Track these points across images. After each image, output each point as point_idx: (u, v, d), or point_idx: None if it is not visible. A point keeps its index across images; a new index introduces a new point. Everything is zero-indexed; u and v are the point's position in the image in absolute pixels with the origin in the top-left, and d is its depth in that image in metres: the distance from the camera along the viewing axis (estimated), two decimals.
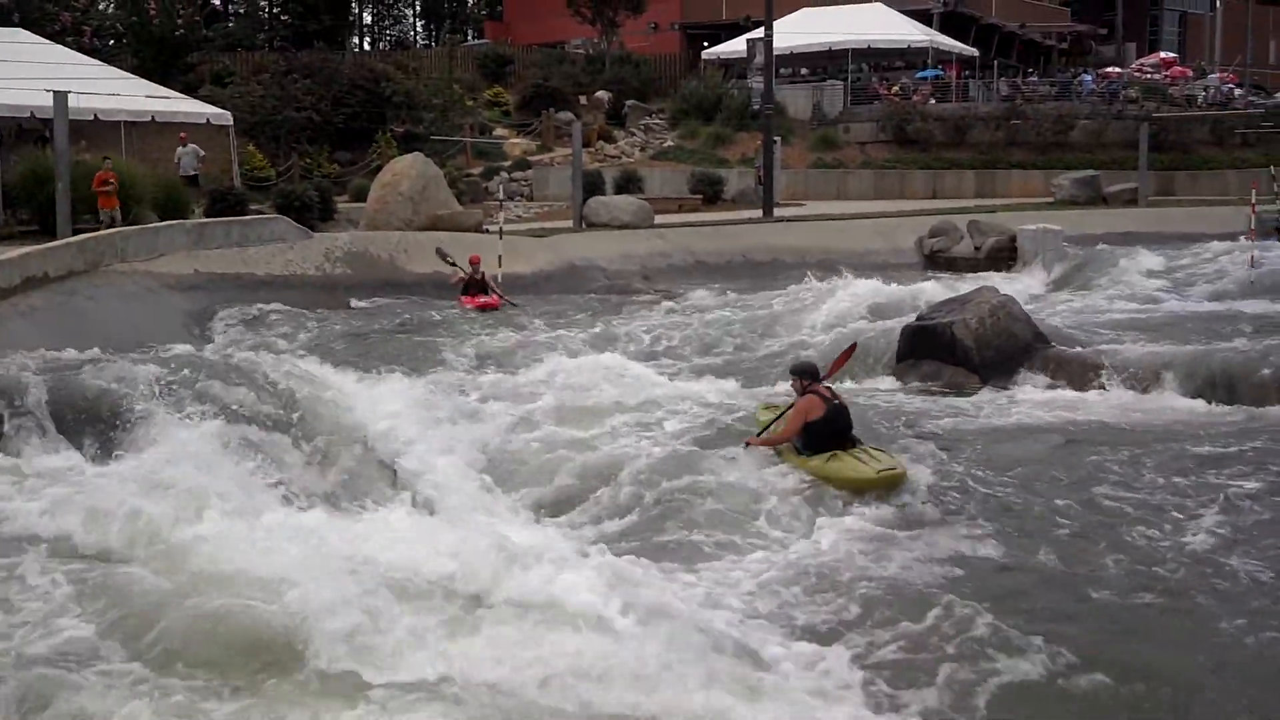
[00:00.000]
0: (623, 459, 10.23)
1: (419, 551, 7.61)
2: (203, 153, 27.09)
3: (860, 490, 9.22)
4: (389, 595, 6.95)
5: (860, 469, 9.32)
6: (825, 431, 9.67)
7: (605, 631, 6.67)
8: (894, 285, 18.62)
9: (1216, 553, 8.24)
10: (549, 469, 10.33)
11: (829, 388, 10.16)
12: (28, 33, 31.59)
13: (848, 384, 13.66)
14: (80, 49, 33.55)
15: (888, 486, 9.23)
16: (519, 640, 6.57)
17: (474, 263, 20.64)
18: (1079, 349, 14.44)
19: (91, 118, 25.10)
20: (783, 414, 10.07)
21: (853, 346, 11.55)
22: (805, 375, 10.15)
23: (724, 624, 7.09)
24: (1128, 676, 6.46)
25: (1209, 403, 12.34)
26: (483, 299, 20.25)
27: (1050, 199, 34.33)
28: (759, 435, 10.14)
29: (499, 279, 21.13)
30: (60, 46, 31.69)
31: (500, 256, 21.56)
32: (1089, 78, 42.55)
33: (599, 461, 10.32)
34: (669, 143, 41.12)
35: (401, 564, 7.46)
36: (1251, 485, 9.54)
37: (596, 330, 17.73)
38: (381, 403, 11.41)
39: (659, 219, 28.28)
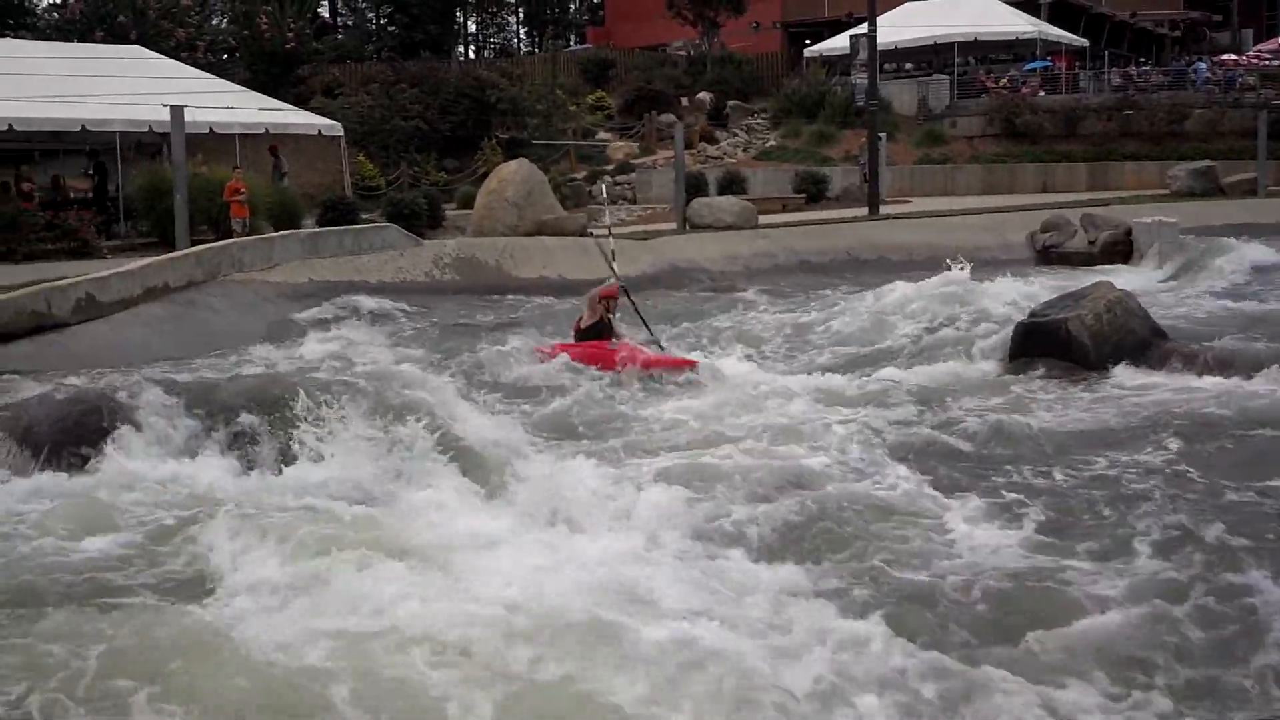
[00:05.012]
0: None
1: None
2: (285, 167, 27.60)
3: None
4: None
5: None
6: None
7: None
8: None
9: None
10: None
11: None
12: (145, 49, 32.54)
13: (949, 373, 13.51)
14: (195, 64, 34.46)
15: None
16: None
17: (606, 300, 13.86)
18: (1201, 342, 14.03)
19: (207, 131, 25.75)
20: None
21: None
22: None
23: None
24: None
25: None
26: (608, 351, 13.16)
27: (1165, 190, 33.49)
28: None
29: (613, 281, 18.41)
30: (176, 62, 32.58)
31: (613, 253, 20.65)
32: (1203, 65, 41.43)
33: None
34: (771, 142, 40.96)
35: None
36: None
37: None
38: None
39: (762, 219, 28.13)
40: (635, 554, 7.82)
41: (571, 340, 13.67)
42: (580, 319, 13.74)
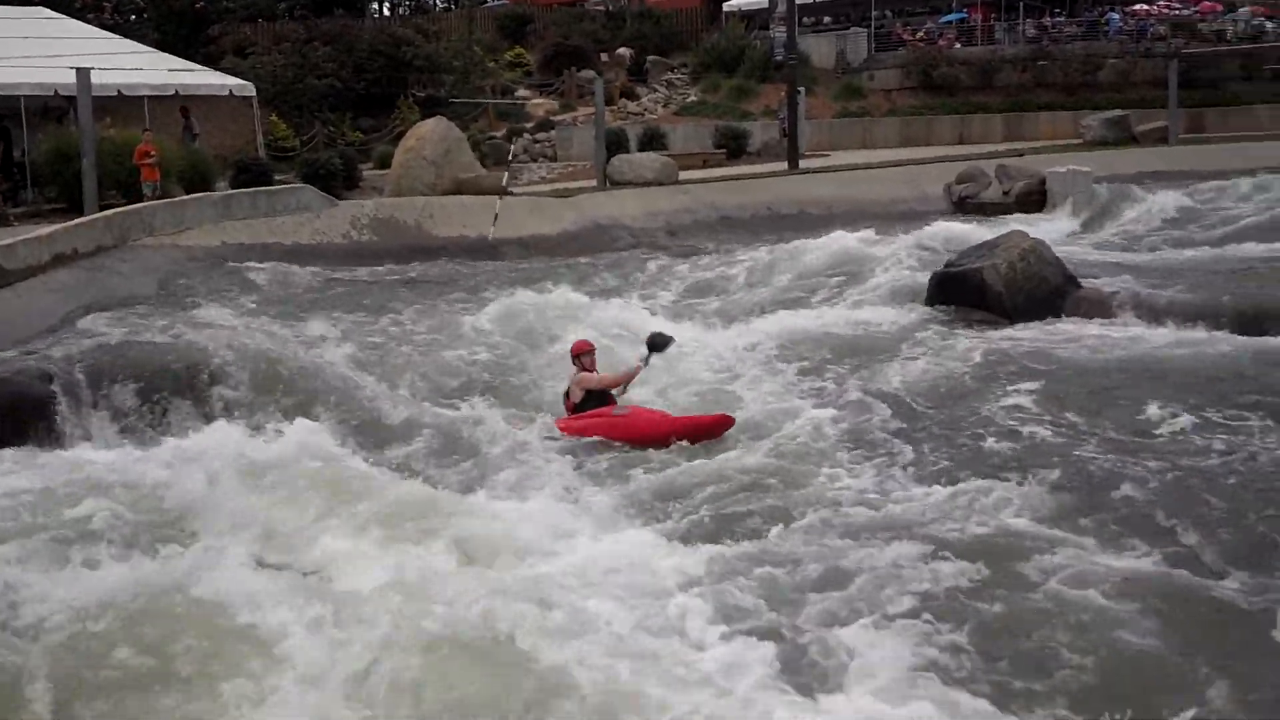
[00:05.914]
0: None
1: None
2: (196, 129, 27.12)
3: None
4: None
5: None
6: None
7: None
8: None
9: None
10: None
11: None
12: (49, 10, 31.66)
13: (876, 327, 13.65)
14: (101, 25, 33.62)
15: None
16: None
17: (579, 354, 11.36)
18: (1112, 289, 14.29)
19: (115, 94, 25.12)
20: None
21: None
22: None
23: None
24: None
25: (1244, 335, 12.15)
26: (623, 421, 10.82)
27: (1079, 140, 33.95)
28: None
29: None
30: (81, 23, 31.73)
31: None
32: (1116, 16, 41.90)
33: None
34: (692, 97, 40.80)
35: None
36: None
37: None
38: None
39: (683, 174, 28.11)
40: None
41: (566, 417, 11.09)
42: (568, 396, 11.20)
